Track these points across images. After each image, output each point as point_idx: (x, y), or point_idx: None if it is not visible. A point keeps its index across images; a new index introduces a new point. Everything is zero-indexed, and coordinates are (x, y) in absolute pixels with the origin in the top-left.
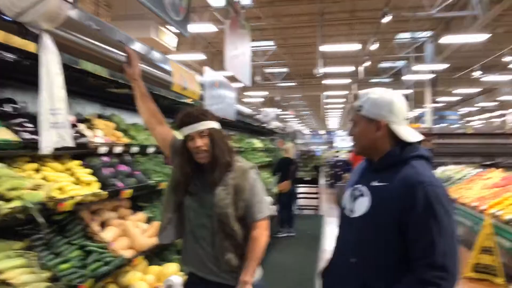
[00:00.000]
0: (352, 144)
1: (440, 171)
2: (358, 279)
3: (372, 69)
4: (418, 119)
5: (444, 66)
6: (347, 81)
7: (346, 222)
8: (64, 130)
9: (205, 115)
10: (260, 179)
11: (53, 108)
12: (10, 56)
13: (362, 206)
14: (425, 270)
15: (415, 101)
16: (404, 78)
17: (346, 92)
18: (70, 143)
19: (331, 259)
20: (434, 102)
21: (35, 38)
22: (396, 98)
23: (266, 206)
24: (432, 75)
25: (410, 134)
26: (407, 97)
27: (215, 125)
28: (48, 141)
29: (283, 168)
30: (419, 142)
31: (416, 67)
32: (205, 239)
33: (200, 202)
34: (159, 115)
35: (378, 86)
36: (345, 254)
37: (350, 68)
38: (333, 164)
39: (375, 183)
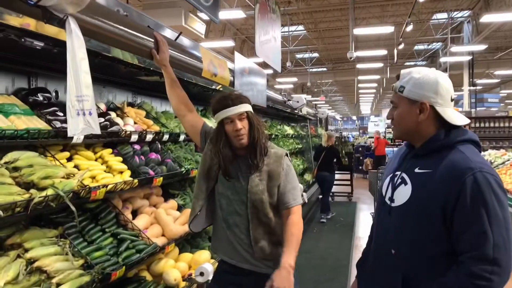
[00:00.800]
0: (392, 127)
1: None
2: (398, 270)
3: (406, 51)
4: (455, 102)
5: (483, 47)
6: (380, 65)
7: (385, 211)
8: (91, 117)
9: (242, 98)
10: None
11: (80, 95)
12: (40, 44)
13: (403, 194)
14: (474, 263)
15: (453, 84)
16: (440, 60)
17: (379, 76)
18: (96, 130)
19: (368, 249)
20: (473, 84)
21: (60, 23)
22: (441, 77)
23: (299, 193)
24: (470, 57)
25: (457, 117)
26: None
27: (251, 108)
28: (74, 128)
29: (329, 156)
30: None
31: (454, 49)
32: (238, 226)
33: (233, 188)
34: (188, 102)
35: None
36: (384, 245)
37: (383, 52)
38: (355, 149)
39: (418, 170)
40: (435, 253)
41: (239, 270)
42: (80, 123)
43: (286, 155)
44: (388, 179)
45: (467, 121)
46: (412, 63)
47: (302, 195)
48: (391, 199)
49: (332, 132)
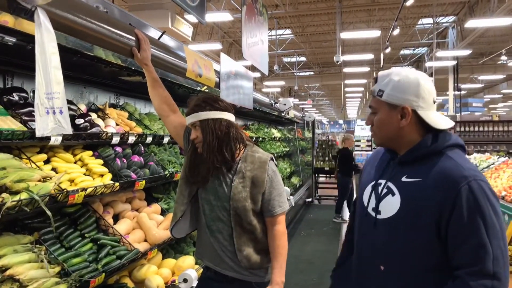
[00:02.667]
0: (372, 134)
1: None
2: (388, 287)
3: (393, 56)
4: (441, 106)
5: (467, 52)
6: (366, 69)
7: (368, 223)
8: (62, 116)
9: (199, 106)
10: (278, 170)
11: (49, 92)
12: (12, 40)
13: (391, 206)
14: (473, 278)
15: (437, 88)
16: (426, 64)
17: (365, 80)
18: (68, 130)
19: (345, 260)
20: (457, 89)
21: (28, 15)
22: (422, 79)
23: (285, 200)
24: (455, 62)
25: (441, 120)
26: None
27: (214, 115)
28: (43, 127)
29: (342, 159)
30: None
31: (439, 53)
32: (221, 232)
33: (216, 194)
34: (172, 102)
35: None
36: (371, 260)
37: (369, 56)
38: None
39: (406, 179)
40: (428, 268)
41: (223, 277)
42: (49, 122)
43: (272, 159)
44: (369, 188)
45: (452, 123)
46: (398, 67)
47: (288, 199)
48: (376, 210)
49: (348, 135)
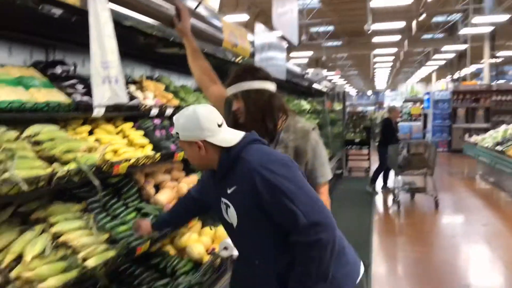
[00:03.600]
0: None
1: (502, 130)
2: (268, 275)
3: (425, 23)
4: (475, 75)
5: (506, 17)
6: (397, 37)
7: (233, 232)
8: (117, 85)
9: (241, 77)
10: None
11: (105, 61)
12: (58, 11)
13: (233, 216)
14: (300, 236)
15: (472, 56)
16: (460, 32)
17: (396, 49)
18: (124, 99)
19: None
20: (493, 57)
21: None
22: (200, 113)
23: (327, 170)
24: (492, 28)
25: (228, 139)
26: (462, 53)
27: (256, 85)
28: (100, 97)
29: (384, 130)
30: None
31: (475, 20)
32: None
33: None
34: (211, 73)
35: (431, 42)
36: (247, 259)
37: (401, 24)
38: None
39: (229, 191)
40: (284, 247)
41: None
42: (106, 92)
43: (314, 129)
44: (221, 205)
45: (238, 139)
46: (430, 36)
47: (331, 171)
48: (231, 222)
49: (394, 106)
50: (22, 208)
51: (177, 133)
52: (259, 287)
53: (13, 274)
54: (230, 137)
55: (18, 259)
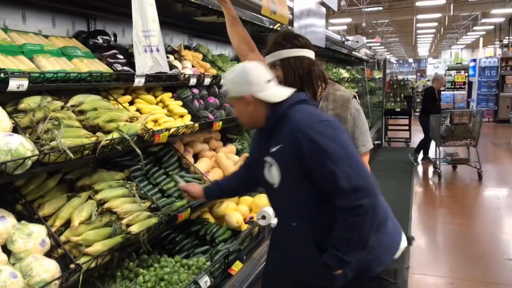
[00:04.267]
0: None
1: None
2: (305, 238)
3: None
4: None
5: None
6: (442, 1)
7: (273, 193)
8: (159, 54)
9: (280, 44)
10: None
11: (146, 30)
12: None
13: (276, 175)
14: (340, 201)
15: None
16: None
17: (440, 14)
18: (165, 68)
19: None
20: None
21: None
22: (250, 68)
23: (368, 139)
24: None
25: (276, 95)
26: None
27: (295, 53)
28: (143, 66)
29: (426, 99)
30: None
31: None
32: None
33: None
34: (250, 41)
35: (479, 5)
36: (284, 221)
37: None
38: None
39: (273, 149)
40: (323, 209)
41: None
42: (148, 60)
43: (355, 97)
44: (264, 165)
45: (287, 94)
46: None
47: (371, 141)
48: (272, 182)
49: (439, 75)
50: (69, 176)
51: (226, 90)
52: (295, 250)
53: (62, 238)
54: (279, 93)
55: (67, 224)
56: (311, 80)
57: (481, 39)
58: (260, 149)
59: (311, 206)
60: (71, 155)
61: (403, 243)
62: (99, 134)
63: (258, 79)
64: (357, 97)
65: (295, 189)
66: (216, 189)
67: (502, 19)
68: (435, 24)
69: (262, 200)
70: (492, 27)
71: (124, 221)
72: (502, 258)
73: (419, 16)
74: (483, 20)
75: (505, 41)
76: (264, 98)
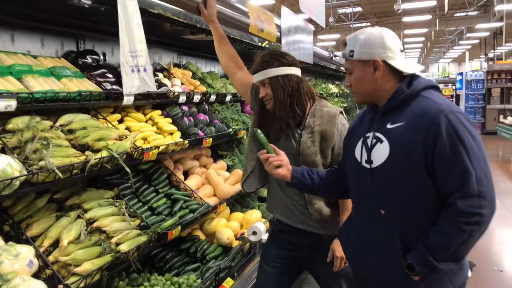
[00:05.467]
0: (353, 94)
1: None
2: (392, 230)
3: (457, 1)
4: (511, 54)
5: None
6: (428, 17)
7: (365, 175)
8: (146, 73)
9: (267, 63)
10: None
11: (133, 50)
12: (88, 2)
13: (381, 153)
14: (462, 202)
15: (507, 34)
16: (496, 8)
17: (426, 29)
18: (153, 87)
19: (351, 216)
20: None
21: None
22: (386, 32)
23: None
24: None
25: (411, 65)
26: (497, 31)
27: (283, 71)
28: (130, 86)
29: None
30: None
31: None
32: (291, 188)
33: (285, 149)
34: (238, 59)
35: (464, 20)
36: (372, 208)
37: (432, 3)
38: None
39: (390, 126)
40: (425, 204)
41: (295, 229)
42: (135, 80)
43: (341, 113)
44: (360, 143)
45: (421, 67)
46: (463, 14)
47: None
48: (369, 161)
49: None
50: (58, 195)
51: (351, 51)
52: (376, 242)
53: (50, 258)
54: (412, 65)
55: (55, 244)
56: (300, 97)
57: (467, 53)
58: (363, 127)
59: (414, 197)
60: (60, 174)
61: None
62: (88, 153)
63: (394, 44)
64: (344, 113)
65: (403, 173)
66: (305, 171)
67: (486, 34)
68: (422, 38)
69: (253, 215)
70: (477, 41)
71: (113, 240)
72: (492, 269)
73: (406, 31)
74: (469, 35)
75: (491, 55)
76: (398, 66)
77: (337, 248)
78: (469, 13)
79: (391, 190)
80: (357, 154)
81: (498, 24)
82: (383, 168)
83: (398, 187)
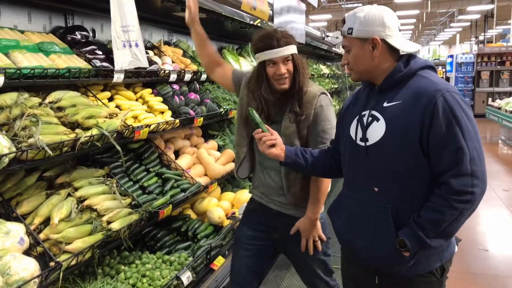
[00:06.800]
0: (349, 72)
1: None
2: (384, 206)
3: None
4: (501, 37)
5: None
6: None
7: (359, 153)
8: (138, 48)
9: (289, 38)
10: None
11: (125, 25)
12: None
13: (377, 131)
14: (455, 180)
15: (497, 17)
16: None
17: (418, 11)
18: (145, 63)
19: (342, 194)
20: None
21: None
22: (385, 10)
23: (329, 137)
24: None
25: (409, 45)
26: (488, 13)
27: (296, 49)
28: (121, 61)
29: None
30: None
31: None
32: (272, 169)
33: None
34: (217, 56)
35: (455, 2)
36: (365, 185)
37: None
38: None
39: (387, 104)
40: (418, 182)
41: (267, 210)
42: (127, 55)
43: (323, 93)
44: (355, 122)
45: (418, 46)
46: None
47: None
48: (364, 139)
49: None
50: (48, 173)
51: (349, 28)
52: (368, 218)
53: (41, 235)
54: (410, 45)
55: (46, 222)
56: (304, 75)
57: (457, 36)
58: (358, 106)
59: (407, 174)
60: (50, 152)
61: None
62: (78, 130)
63: (393, 23)
64: (327, 93)
65: (398, 151)
66: (299, 151)
67: (477, 16)
68: (413, 20)
69: (244, 195)
70: (468, 23)
71: (104, 218)
72: (477, 248)
73: (398, 13)
74: (460, 17)
75: (481, 38)
76: (396, 45)
77: (304, 228)
78: None
79: (384, 168)
80: (352, 132)
81: (489, 6)
82: (378, 146)
83: (391, 165)
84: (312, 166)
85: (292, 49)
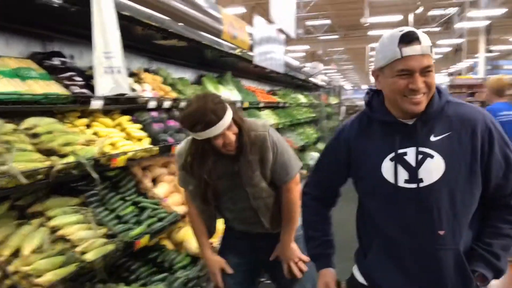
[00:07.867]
0: (416, 101)
1: None
2: (452, 249)
3: (421, 17)
4: (470, 69)
5: (502, 11)
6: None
7: (402, 197)
8: (120, 75)
9: (222, 104)
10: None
11: (107, 51)
12: (57, 1)
13: (434, 170)
14: None
15: (468, 50)
16: (456, 25)
17: None
18: (127, 89)
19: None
20: (488, 51)
21: None
22: None
23: (292, 165)
24: (487, 22)
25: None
26: (458, 47)
27: (231, 112)
28: (103, 88)
29: None
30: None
31: (471, 13)
32: (249, 217)
33: (234, 188)
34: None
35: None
36: (419, 231)
37: (398, 17)
38: None
39: (435, 138)
40: (475, 210)
41: (253, 235)
42: (109, 82)
43: (268, 130)
44: (388, 162)
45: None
46: (426, 30)
47: (298, 162)
48: (416, 180)
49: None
50: (20, 202)
51: (430, 46)
52: (436, 265)
53: (11, 268)
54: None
55: (16, 253)
56: (247, 127)
57: None
58: (378, 144)
59: (472, 208)
60: (24, 180)
61: None
62: (53, 158)
63: None
64: (270, 126)
65: (464, 185)
66: (325, 247)
67: (448, 49)
68: None
69: (222, 224)
70: (441, 56)
71: (78, 249)
72: None
73: (372, 45)
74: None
75: (451, 70)
76: None
77: (283, 254)
78: (432, 29)
79: (450, 207)
80: (388, 174)
81: (459, 40)
82: (438, 185)
83: (458, 202)
84: (329, 225)
85: (230, 113)
